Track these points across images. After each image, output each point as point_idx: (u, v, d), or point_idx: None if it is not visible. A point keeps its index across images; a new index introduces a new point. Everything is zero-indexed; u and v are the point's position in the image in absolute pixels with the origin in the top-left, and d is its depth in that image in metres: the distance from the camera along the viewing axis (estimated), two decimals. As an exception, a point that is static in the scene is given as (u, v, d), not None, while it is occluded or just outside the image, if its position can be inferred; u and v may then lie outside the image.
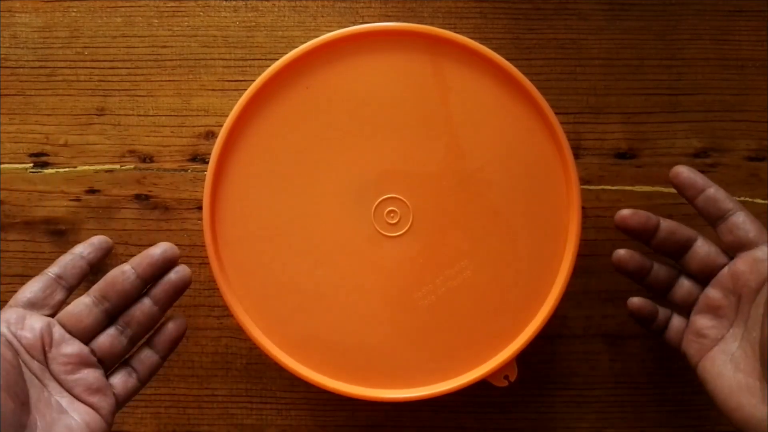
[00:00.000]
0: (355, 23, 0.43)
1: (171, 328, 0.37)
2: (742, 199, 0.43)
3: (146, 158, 0.43)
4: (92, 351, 0.34)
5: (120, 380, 0.35)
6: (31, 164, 0.44)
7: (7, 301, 0.44)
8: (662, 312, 0.38)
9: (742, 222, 0.35)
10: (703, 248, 0.36)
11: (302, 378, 0.37)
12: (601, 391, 0.44)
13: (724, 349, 0.34)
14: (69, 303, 0.35)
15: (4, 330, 0.32)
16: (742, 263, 0.35)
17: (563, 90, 0.43)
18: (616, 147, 0.44)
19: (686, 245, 0.37)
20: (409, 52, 0.37)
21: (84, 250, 0.36)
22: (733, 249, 0.36)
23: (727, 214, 0.35)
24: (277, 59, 0.37)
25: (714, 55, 0.44)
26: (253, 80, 0.37)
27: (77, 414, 0.32)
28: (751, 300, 0.34)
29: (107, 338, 0.35)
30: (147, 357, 0.36)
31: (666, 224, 0.37)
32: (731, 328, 0.35)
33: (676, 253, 0.37)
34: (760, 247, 0.35)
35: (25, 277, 0.43)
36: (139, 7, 0.44)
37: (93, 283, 0.35)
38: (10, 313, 0.33)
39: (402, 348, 0.38)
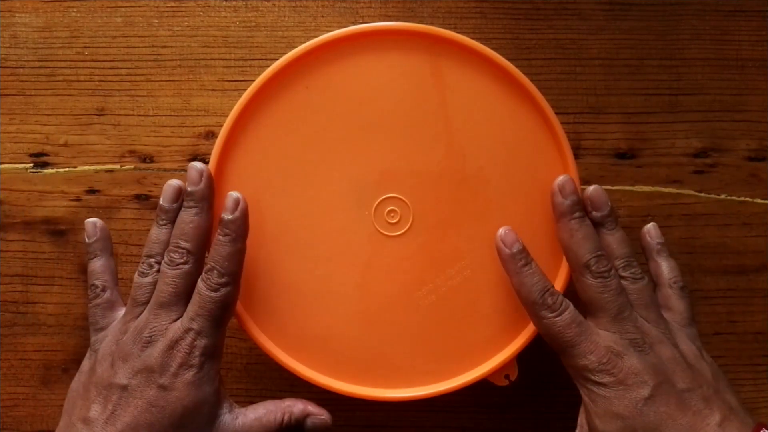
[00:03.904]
0: (355, 23, 0.43)
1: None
2: (742, 198, 0.43)
3: (146, 158, 0.43)
4: None
5: None
6: (31, 164, 0.44)
7: (7, 301, 0.44)
8: None
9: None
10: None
11: (302, 378, 0.37)
12: (601, 391, 0.43)
13: None
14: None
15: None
16: None
17: (563, 90, 0.43)
18: (616, 147, 0.44)
19: None
20: (409, 52, 0.37)
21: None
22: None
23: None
24: (277, 59, 0.37)
25: (714, 55, 0.44)
26: (253, 80, 0.37)
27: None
28: None
29: None
30: None
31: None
32: None
33: None
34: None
35: (25, 277, 0.43)
36: (139, 7, 0.44)
37: None
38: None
39: (402, 348, 0.38)
